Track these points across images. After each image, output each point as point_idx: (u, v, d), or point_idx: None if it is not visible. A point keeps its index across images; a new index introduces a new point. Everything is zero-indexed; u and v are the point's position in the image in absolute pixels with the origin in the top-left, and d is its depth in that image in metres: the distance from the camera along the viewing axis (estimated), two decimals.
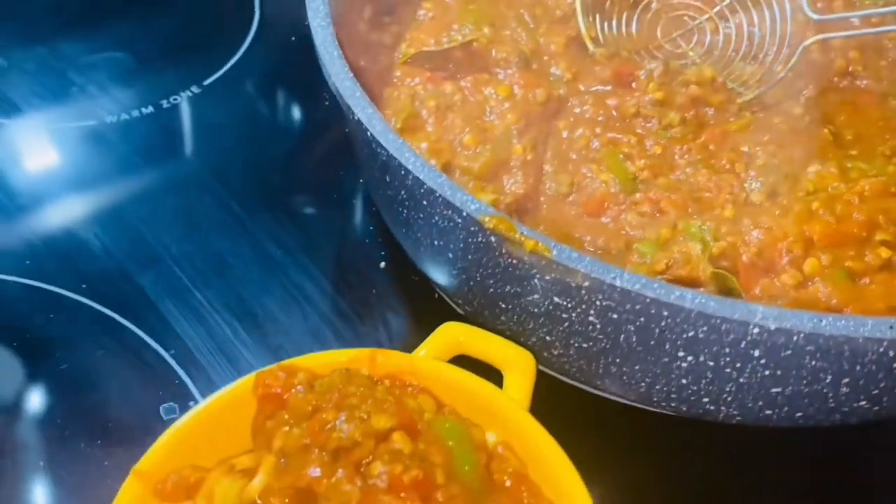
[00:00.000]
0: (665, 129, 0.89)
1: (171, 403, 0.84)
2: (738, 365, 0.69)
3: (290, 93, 1.13)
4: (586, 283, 0.66)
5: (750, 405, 0.74)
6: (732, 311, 0.63)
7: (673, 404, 0.78)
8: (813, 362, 0.67)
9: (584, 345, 0.75)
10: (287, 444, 0.65)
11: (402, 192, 0.76)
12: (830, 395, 0.71)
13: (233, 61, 1.14)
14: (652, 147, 0.88)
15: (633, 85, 0.93)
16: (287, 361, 0.70)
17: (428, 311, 0.90)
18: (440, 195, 0.69)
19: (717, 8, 0.98)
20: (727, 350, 0.68)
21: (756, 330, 0.63)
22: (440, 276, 0.82)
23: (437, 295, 0.90)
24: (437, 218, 0.73)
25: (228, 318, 0.89)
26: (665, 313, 0.65)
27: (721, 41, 0.97)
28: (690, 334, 0.67)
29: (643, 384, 0.76)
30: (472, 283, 0.78)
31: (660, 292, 0.64)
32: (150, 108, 1.09)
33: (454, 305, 0.87)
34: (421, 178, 0.69)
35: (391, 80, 0.93)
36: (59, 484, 0.78)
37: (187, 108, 1.09)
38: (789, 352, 0.66)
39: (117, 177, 1.02)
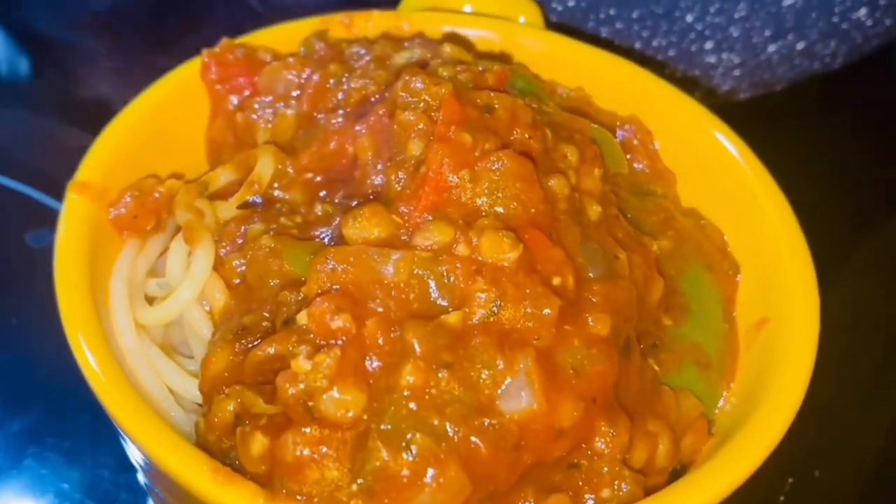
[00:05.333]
0: None
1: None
2: None
3: None
4: None
5: (755, 39, 0.65)
6: None
7: (666, 71, 0.67)
8: None
9: (571, 2, 0.62)
10: (281, 126, 0.46)
11: None
12: None
13: None
14: None
15: None
16: (237, 39, 0.50)
17: None
18: None
19: None
20: None
21: None
22: None
23: None
24: None
25: None
26: None
27: None
28: None
29: (638, 44, 0.65)
30: None
31: None
32: None
33: None
34: None
35: None
36: None
37: None
38: None
39: None
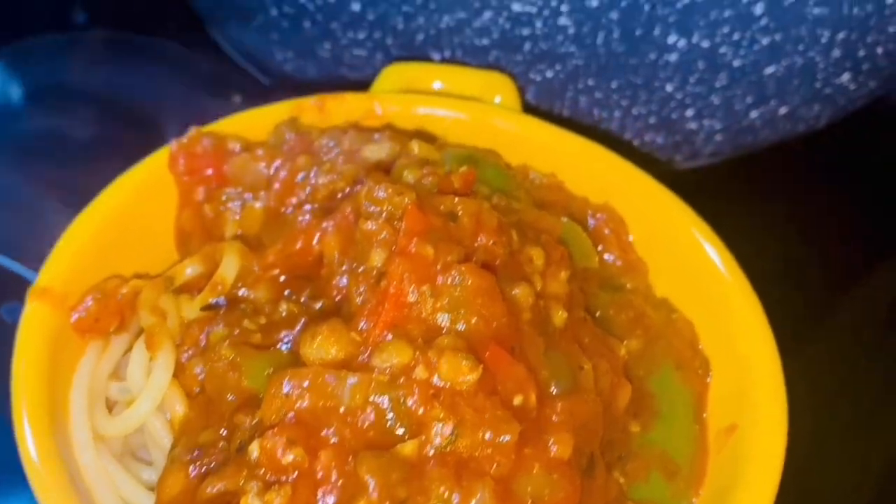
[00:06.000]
0: None
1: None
2: (735, 37, 0.59)
3: None
4: None
5: (737, 106, 0.65)
6: None
7: (647, 136, 0.67)
8: (816, 10, 0.59)
9: (550, 73, 0.61)
10: (249, 219, 0.46)
11: None
12: (821, 64, 0.63)
13: None
14: None
15: None
16: (207, 127, 0.50)
17: None
18: None
19: None
20: (726, 15, 0.57)
21: None
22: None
23: None
24: None
25: None
26: None
27: None
28: (686, 1, 0.56)
29: (618, 112, 0.64)
30: (394, 21, 0.61)
31: None
32: None
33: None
34: None
35: None
36: None
37: None
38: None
39: None
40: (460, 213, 0.40)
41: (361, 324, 0.37)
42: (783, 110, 0.67)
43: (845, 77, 0.66)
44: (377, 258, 0.39)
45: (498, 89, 0.55)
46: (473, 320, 0.37)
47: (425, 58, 0.63)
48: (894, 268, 0.71)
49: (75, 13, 0.85)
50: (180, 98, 0.79)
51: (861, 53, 0.64)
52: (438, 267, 0.38)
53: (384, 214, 0.40)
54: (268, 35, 0.68)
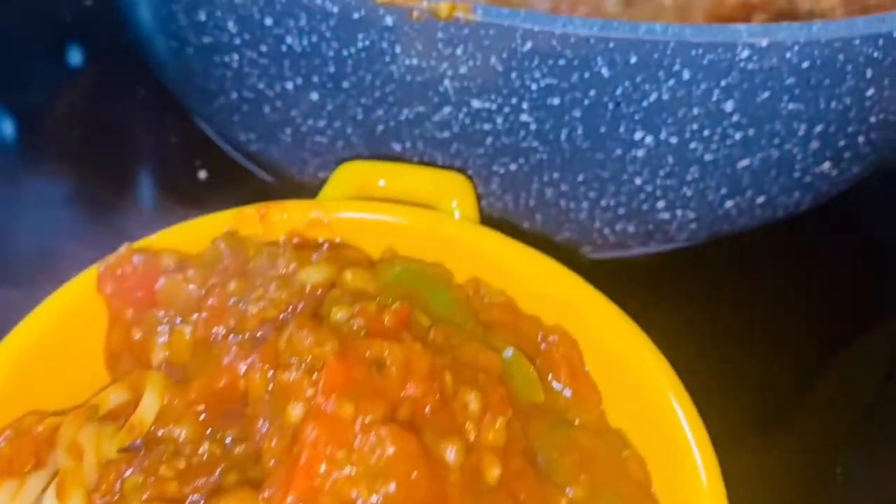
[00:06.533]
0: None
1: None
2: (706, 133, 0.57)
3: None
4: (528, 45, 0.50)
5: (710, 197, 0.62)
6: (713, 34, 0.50)
7: (619, 226, 0.64)
8: (791, 106, 0.56)
9: (513, 165, 0.59)
10: (177, 345, 0.44)
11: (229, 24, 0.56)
12: (799, 155, 0.61)
13: None
14: None
15: None
16: (139, 243, 0.48)
17: None
18: None
19: None
20: (695, 112, 0.55)
21: (745, 53, 0.50)
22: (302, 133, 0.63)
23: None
24: (293, 39, 0.55)
25: None
26: (634, 58, 0.51)
27: None
28: (653, 98, 0.54)
29: (586, 203, 0.62)
30: (353, 123, 0.59)
31: (623, 30, 0.50)
32: None
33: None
34: None
35: None
36: None
37: None
38: (767, 94, 0.55)
39: None
40: (388, 362, 0.38)
41: (267, 493, 0.35)
42: (760, 199, 0.64)
43: (826, 166, 0.64)
44: (294, 413, 0.37)
45: (454, 193, 0.53)
46: (392, 488, 0.35)
47: (387, 148, 0.60)
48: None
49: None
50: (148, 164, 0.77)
51: (841, 143, 0.62)
52: (357, 427, 0.36)
53: (303, 365, 0.37)
54: (230, 116, 0.66)
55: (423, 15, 0.50)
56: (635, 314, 0.47)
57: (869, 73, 0.55)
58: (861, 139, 0.62)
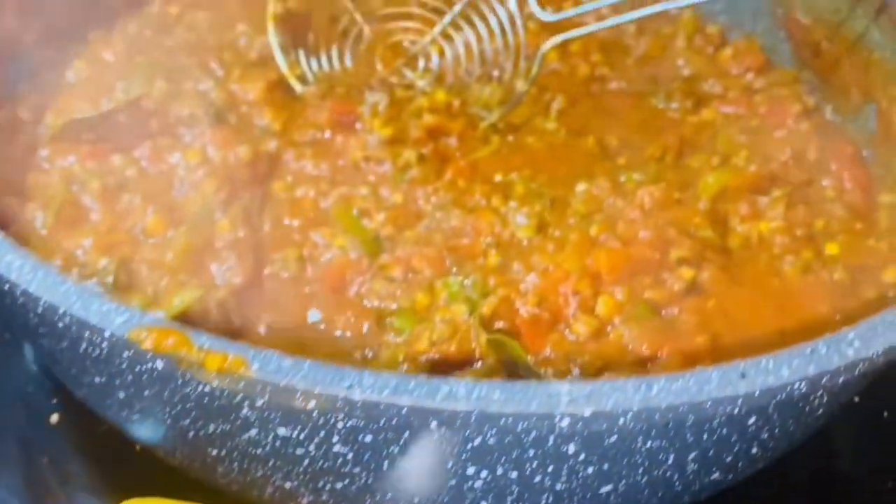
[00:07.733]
0: (402, 172, 0.70)
1: None
2: (552, 469, 0.49)
3: None
4: (313, 403, 0.43)
5: None
6: (527, 402, 0.43)
7: None
8: (648, 443, 0.48)
9: (339, 484, 0.52)
10: None
11: (29, 314, 0.51)
12: (676, 477, 0.53)
13: None
14: (390, 196, 0.68)
15: (357, 126, 0.73)
16: None
17: (128, 467, 0.65)
18: (66, 311, 0.45)
19: (439, 28, 0.80)
20: (532, 453, 0.48)
21: (565, 422, 0.43)
22: (121, 421, 0.57)
23: (138, 447, 0.65)
24: (84, 345, 0.49)
25: None
26: (434, 423, 0.44)
27: (451, 63, 0.79)
28: (477, 442, 0.47)
29: None
30: (164, 427, 0.54)
31: (419, 395, 0.43)
32: None
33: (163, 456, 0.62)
34: (31, 290, 0.45)
35: (36, 164, 0.68)
36: None
37: None
38: (615, 437, 0.47)
39: None
40: None
41: None
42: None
43: (716, 475, 0.56)
44: None
45: None
46: None
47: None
48: None
49: None
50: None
51: (728, 459, 0.54)
52: None
53: None
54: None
55: (192, 365, 0.44)
56: None
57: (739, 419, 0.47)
58: (754, 450, 0.54)
